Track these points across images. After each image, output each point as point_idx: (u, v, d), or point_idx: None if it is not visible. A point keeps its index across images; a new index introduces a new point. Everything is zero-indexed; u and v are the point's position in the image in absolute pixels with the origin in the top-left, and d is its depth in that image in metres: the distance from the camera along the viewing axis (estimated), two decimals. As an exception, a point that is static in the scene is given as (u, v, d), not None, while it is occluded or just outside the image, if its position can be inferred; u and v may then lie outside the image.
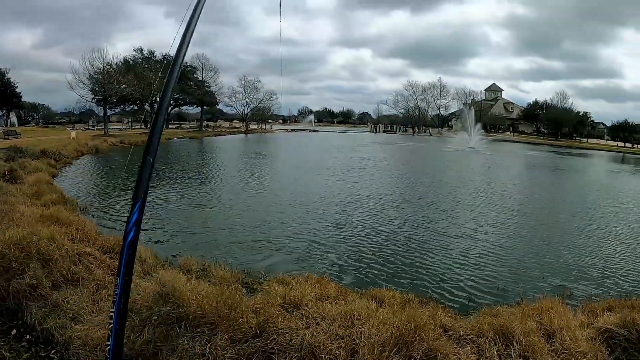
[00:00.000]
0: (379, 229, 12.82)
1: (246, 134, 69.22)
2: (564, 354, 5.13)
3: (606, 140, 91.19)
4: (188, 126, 73.41)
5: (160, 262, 7.12)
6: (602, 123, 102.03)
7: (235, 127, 77.29)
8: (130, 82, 50.23)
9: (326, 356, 4.45)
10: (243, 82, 76.19)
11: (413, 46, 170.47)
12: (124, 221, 12.16)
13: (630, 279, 9.89)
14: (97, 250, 6.70)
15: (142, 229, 10.37)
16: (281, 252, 10.37)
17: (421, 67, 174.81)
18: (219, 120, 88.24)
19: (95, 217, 12.25)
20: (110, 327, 2.94)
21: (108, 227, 11.19)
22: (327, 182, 21.36)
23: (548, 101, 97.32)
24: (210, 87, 71.54)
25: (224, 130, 70.83)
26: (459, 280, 9.24)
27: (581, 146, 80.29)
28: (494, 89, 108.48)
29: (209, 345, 4.24)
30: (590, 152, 69.80)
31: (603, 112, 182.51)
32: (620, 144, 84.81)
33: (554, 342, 5.33)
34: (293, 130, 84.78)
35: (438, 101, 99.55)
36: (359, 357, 4.54)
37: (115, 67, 51.15)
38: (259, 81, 77.65)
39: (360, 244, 11.28)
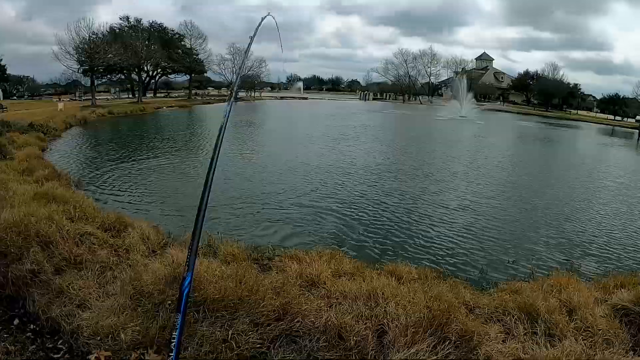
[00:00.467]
0: (379, 200, 12.60)
1: (235, 102, 67.06)
2: (587, 332, 4.96)
3: (596, 112, 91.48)
4: (176, 95, 71.65)
5: (164, 239, 6.71)
6: (591, 95, 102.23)
7: (224, 95, 74.81)
8: (117, 51, 48.36)
9: (354, 338, 4.17)
10: (232, 49, 73.71)
11: (403, 14, 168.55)
12: (120, 195, 12.14)
13: (631, 254, 9.89)
14: (98, 228, 6.26)
15: (137, 203, 9.93)
16: (282, 224, 10.11)
17: (410, 35, 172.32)
18: (209, 88, 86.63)
19: (91, 192, 11.78)
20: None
21: (105, 203, 10.76)
22: (323, 152, 21.02)
23: (539, 72, 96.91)
24: (198, 54, 69.60)
25: (213, 98, 69.01)
26: (466, 254, 9.11)
27: (572, 118, 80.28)
28: (484, 58, 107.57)
29: (231, 330, 3.92)
30: (581, 124, 69.99)
31: (592, 84, 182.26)
32: (610, 117, 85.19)
33: (576, 319, 5.17)
34: (282, 97, 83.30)
35: (428, 69, 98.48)
36: (388, 338, 4.27)
37: (101, 36, 49.60)
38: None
39: (361, 216, 11.07)
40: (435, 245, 9.48)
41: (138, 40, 55.28)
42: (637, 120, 76.30)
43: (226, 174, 14.92)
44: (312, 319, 4.36)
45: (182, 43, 67.99)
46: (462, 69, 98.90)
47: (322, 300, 4.83)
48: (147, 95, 61.31)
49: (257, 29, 4.29)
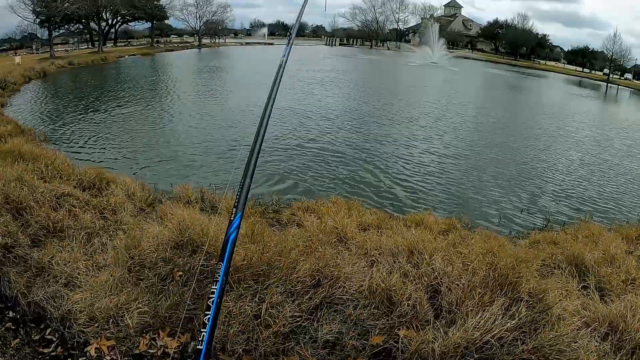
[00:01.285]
0: (366, 147, 11.83)
1: (199, 48, 65.13)
2: (632, 284, 4.62)
3: (563, 64, 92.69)
4: (137, 43, 67.43)
5: (151, 194, 5.77)
6: (559, 46, 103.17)
7: (187, 42, 72.31)
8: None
9: (406, 302, 3.46)
10: None
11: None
12: (92, 147, 10.92)
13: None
14: (76, 187, 5.26)
15: (112, 159, 8.79)
16: (271, 172, 9.22)
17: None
18: (171, 36, 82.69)
19: (60, 147, 10.43)
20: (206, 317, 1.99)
21: (78, 157, 9.52)
22: (297, 97, 19.71)
23: (508, 21, 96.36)
24: (159, 0, 65.97)
25: (176, 45, 66.35)
26: (473, 201, 8.71)
27: (541, 67, 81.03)
28: (453, 5, 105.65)
29: (264, 304, 3.11)
30: (550, 74, 70.95)
31: (560, 35, 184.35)
32: (579, 68, 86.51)
33: (618, 271, 4.79)
34: (247, 43, 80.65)
35: (397, 15, 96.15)
36: (447, 300, 3.59)
37: None
38: None
39: (353, 163, 10.37)
40: (435, 192, 9.02)
41: None
42: (604, 73, 78.34)
43: (207, 120, 13.84)
44: (355, 282, 3.63)
45: None
46: (431, 15, 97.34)
47: (360, 259, 4.09)
48: (107, 45, 57.40)
49: None
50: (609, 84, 67.18)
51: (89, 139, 11.66)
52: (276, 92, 2.90)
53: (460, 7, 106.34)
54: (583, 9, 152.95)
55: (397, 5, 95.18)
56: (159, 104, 17.30)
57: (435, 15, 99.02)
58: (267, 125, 2.71)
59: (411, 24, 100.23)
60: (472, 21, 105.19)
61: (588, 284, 4.49)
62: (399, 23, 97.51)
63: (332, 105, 17.95)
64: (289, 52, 3.21)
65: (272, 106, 2.79)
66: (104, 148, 10.82)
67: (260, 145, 2.65)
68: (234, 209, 2.38)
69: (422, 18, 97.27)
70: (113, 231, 4.33)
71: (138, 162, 9.68)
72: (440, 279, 3.87)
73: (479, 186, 9.61)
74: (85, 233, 4.15)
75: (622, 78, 79.67)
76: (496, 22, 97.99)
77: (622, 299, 4.26)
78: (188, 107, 16.61)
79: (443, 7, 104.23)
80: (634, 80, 79.37)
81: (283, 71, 3.00)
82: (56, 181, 5.33)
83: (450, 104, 21.77)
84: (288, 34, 3.59)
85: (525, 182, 10.33)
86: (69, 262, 3.46)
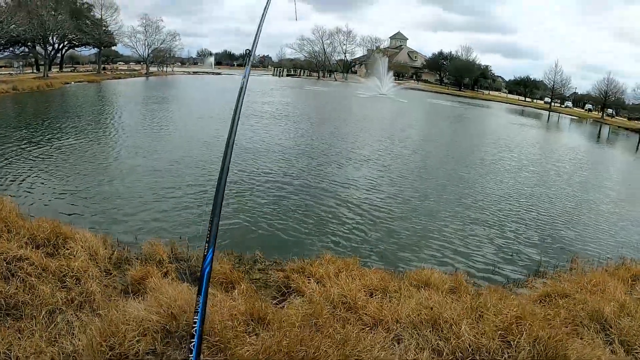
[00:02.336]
0: (331, 190, 11.37)
1: (147, 77, 63.82)
2: None
3: (505, 93, 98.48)
4: (84, 69, 65.96)
5: (115, 251, 5.09)
6: (500, 77, 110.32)
7: (135, 70, 71.28)
8: (21, 21, 43.50)
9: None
10: (144, 21, 70.30)
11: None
12: (43, 188, 9.71)
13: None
14: (30, 245, 4.53)
15: (64, 204, 7.88)
16: (238, 221, 8.56)
17: (323, 11, 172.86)
18: (119, 62, 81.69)
19: (6, 189, 9.31)
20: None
21: (28, 202, 8.50)
22: (245, 132, 19.07)
23: (453, 53, 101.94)
24: (108, 26, 64.78)
25: (123, 73, 64.66)
26: (455, 249, 8.41)
27: (485, 97, 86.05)
28: (398, 37, 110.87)
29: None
30: (495, 104, 74.86)
31: (499, 66, 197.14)
32: (521, 98, 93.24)
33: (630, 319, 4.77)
34: (195, 72, 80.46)
35: (344, 46, 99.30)
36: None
37: (4, 4, 44.72)
38: (162, 20, 73.91)
39: (315, 208, 9.87)
40: (402, 240, 8.60)
41: (44, 9, 50.21)
42: (545, 102, 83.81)
43: (164, 157, 13.09)
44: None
45: (92, 13, 63.14)
46: (377, 47, 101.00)
47: (383, 336, 3.66)
48: (52, 69, 55.48)
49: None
50: (551, 112, 71.83)
51: (34, 175, 10.46)
52: (236, 127, 3.14)
53: (405, 39, 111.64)
54: (522, 40, 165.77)
55: (345, 36, 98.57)
56: (114, 138, 16.16)
57: (381, 47, 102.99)
58: (230, 157, 2.95)
59: (358, 55, 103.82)
60: (417, 53, 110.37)
61: (612, 338, 4.47)
62: (346, 54, 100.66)
63: (288, 143, 17.50)
64: (245, 87, 3.39)
65: (234, 139, 3.03)
66: (54, 189, 9.67)
67: (225, 179, 2.83)
68: (206, 244, 2.55)
69: (368, 49, 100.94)
70: (79, 305, 3.78)
71: (93, 208, 8.70)
72: (479, 354, 3.53)
73: (456, 231, 9.42)
74: (47, 311, 3.50)
75: (563, 106, 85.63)
76: (441, 53, 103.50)
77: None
78: (144, 141, 15.68)
79: (389, 39, 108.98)
80: (573, 108, 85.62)
81: (242, 105, 3.26)
82: (5, 237, 4.57)
83: (407, 139, 22.02)
84: (245, 61, 3.44)
85: (495, 221, 10.30)
86: (32, 353, 2.80)
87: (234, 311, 3.47)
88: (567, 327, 4.31)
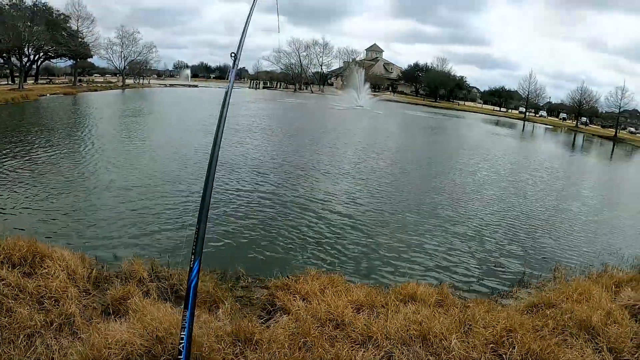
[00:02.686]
0: (305, 203, 11.29)
1: (123, 89, 63.47)
2: (635, 340, 4.68)
3: (481, 104, 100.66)
4: (59, 81, 65.64)
5: (93, 269, 4.95)
6: (475, 87, 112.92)
7: (111, 82, 71.19)
8: None
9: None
10: (121, 32, 70.62)
11: (290, 2, 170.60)
12: (17, 205, 9.37)
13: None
14: (6, 264, 4.39)
15: (38, 220, 7.64)
16: (209, 234, 8.43)
17: (298, 24, 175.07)
18: (95, 74, 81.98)
19: None
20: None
21: (1, 219, 8.22)
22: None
23: (428, 64, 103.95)
24: (85, 37, 64.64)
25: (99, 85, 64.53)
26: (436, 261, 8.47)
27: (461, 108, 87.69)
28: (374, 49, 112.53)
29: None
30: (471, 114, 76.50)
31: (474, 77, 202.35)
32: (496, 108, 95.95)
33: (617, 326, 4.87)
34: (171, 85, 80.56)
35: (321, 59, 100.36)
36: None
37: None
38: (139, 32, 74.38)
39: (295, 223, 9.79)
40: (375, 254, 8.60)
41: (20, 20, 50.11)
42: (520, 112, 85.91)
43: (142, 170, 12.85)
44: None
45: (68, 25, 62.88)
46: (353, 59, 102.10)
47: (374, 354, 3.61)
48: (28, 81, 54.94)
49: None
50: (526, 122, 73.54)
51: (9, 195, 10.12)
52: (220, 141, 3.21)
53: (381, 51, 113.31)
54: (495, 51, 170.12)
55: (321, 49, 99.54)
56: (90, 152, 15.70)
57: (357, 58, 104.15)
58: (215, 168, 2.99)
59: (334, 67, 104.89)
60: (393, 64, 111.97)
61: (600, 347, 4.52)
62: (323, 66, 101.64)
63: (265, 157, 17.38)
64: (227, 101, 3.43)
65: (217, 153, 3.08)
66: (29, 206, 9.36)
67: (211, 190, 2.87)
68: (192, 256, 2.55)
69: (344, 61, 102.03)
70: (58, 328, 3.68)
71: (70, 225, 8.46)
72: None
73: (438, 244, 9.45)
74: (25, 335, 3.37)
75: (538, 115, 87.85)
76: (416, 65, 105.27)
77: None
78: (120, 155, 15.36)
79: (365, 51, 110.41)
80: (548, 117, 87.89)
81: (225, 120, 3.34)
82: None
83: (384, 152, 22.12)
84: (227, 75, 3.38)
85: (477, 233, 10.37)
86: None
87: (220, 332, 3.39)
88: (556, 337, 4.32)
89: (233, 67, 3.43)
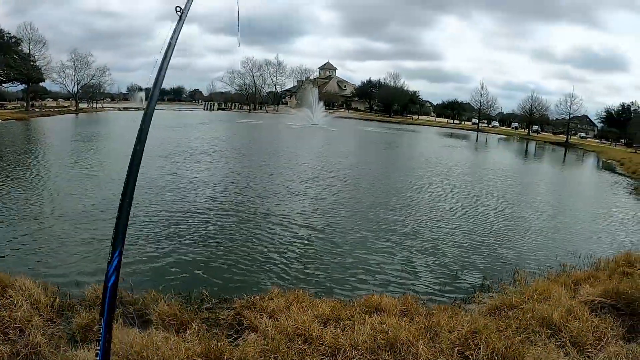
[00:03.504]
0: (258, 223, 11.27)
1: (77, 113, 61.90)
2: (597, 333, 4.97)
3: (435, 117, 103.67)
4: (11, 106, 63.27)
5: (57, 298, 4.90)
6: (428, 101, 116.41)
7: (64, 107, 69.38)
8: None
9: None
10: (74, 55, 68.80)
11: (243, 23, 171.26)
12: None
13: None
14: None
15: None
16: (169, 258, 8.35)
17: (250, 43, 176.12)
18: (48, 99, 79.94)
19: None
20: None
21: None
22: (174, 169, 18.66)
23: (381, 80, 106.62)
24: (37, 61, 63.05)
25: (52, 110, 62.81)
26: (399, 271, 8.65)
27: (415, 122, 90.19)
28: (328, 67, 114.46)
29: None
30: (424, 128, 78.70)
31: (427, 91, 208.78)
32: (450, 120, 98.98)
33: (579, 321, 5.15)
34: (125, 108, 78.92)
35: (275, 78, 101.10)
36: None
37: None
38: (92, 55, 71.63)
39: (254, 243, 9.77)
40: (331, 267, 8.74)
41: None
42: (473, 123, 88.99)
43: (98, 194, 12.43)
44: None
45: (20, 48, 61.43)
46: (307, 78, 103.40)
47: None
48: None
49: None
50: (479, 132, 76.23)
51: None
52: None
53: (334, 68, 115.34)
54: (446, 65, 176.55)
55: (275, 68, 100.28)
56: (44, 179, 15.06)
57: (311, 77, 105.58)
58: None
59: (288, 86, 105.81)
60: (346, 82, 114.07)
61: (563, 341, 4.75)
62: (277, 86, 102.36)
63: (219, 179, 17.12)
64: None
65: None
66: None
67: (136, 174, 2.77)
68: (111, 249, 2.31)
69: (298, 80, 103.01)
70: (25, 358, 3.68)
71: (28, 254, 8.15)
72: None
73: (398, 256, 9.60)
74: None
75: (490, 126, 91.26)
76: (369, 81, 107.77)
77: (603, 350, 4.51)
78: (74, 182, 14.90)
79: (318, 70, 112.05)
80: (501, 127, 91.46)
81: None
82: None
83: (339, 169, 22.22)
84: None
85: (436, 244, 10.57)
86: None
87: (190, 353, 3.37)
88: (520, 336, 4.49)
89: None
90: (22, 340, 3.89)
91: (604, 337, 4.85)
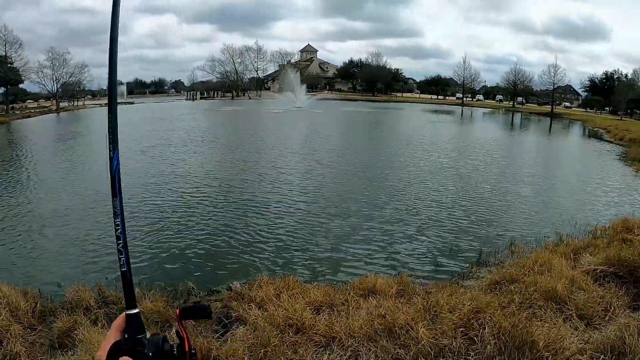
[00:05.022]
0: (243, 211, 11.00)
1: (58, 112, 60.85)
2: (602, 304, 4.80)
3: (419, 94, 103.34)
4: None
5: (38, 302, 4.69)
6: (412, 78, 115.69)
7: (45, 107, 67.94)
8: None
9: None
10: (51, 54, 67.65)
11: (218, 10, 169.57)
12: None
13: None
14: None
15: None
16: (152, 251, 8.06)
17: (228, 31, 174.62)
18: (28, 100, 77.88)
19: None
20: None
21: None
22: (158, 160, 18.34)
23: (363, 60, 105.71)
24: (14, 62, 61.86)
25: (33, 111, 61.60)
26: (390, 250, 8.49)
27: (399, 100, 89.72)
28: (309, 50, 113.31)
29: None
30: (409, 105, 78.41)
31: (408, 68, 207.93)
32: (434, 96, 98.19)
33: (583, 292, 5.00)
34: (107, 104, 77.23)
35: (256, 64, 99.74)
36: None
37: None
38: (69, 53, 70.25)
39: (241, 230, 9.51)
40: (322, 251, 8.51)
41: None
42: (457, 98, 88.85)
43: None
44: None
45: None
46: (288, 61, 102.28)
47: (339, 353, 3.41)
48: None
49: None
50: (464, 107, 76.21)
51: None
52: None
53: (315, 51, 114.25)
54: (427, 41, 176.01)
55: (255, 54, 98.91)
56: (24, 183, 14.69)
57: (292, 61, 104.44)
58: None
59: (270, 72, 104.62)
60: (328, 63, 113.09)
61: (570, 314, 4.55)
62: (258, 72, 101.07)
63: (203, 168, 16.80)
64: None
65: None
66: None
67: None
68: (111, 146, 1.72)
69: (279, 65, 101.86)
70: None
71: (7, 260, 7.89)
72: (443, 356, 3.35)
73: (390, 235, 9.41)
74: None
75: (475, 100, 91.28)
76: (351, 61, 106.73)
77: (612, 322, 4.30)
78: (55, 184, 14.43)
79: (299, 53, 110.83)
80: (485, 101, 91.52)
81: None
82: None
83: (324, 151, 21.99)
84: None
85: (427, 221, 10.44)
86: None
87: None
88: (525, 312, 4.27)
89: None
90: (1, 350, 3.70)
91: (611, 308, 4.66)
